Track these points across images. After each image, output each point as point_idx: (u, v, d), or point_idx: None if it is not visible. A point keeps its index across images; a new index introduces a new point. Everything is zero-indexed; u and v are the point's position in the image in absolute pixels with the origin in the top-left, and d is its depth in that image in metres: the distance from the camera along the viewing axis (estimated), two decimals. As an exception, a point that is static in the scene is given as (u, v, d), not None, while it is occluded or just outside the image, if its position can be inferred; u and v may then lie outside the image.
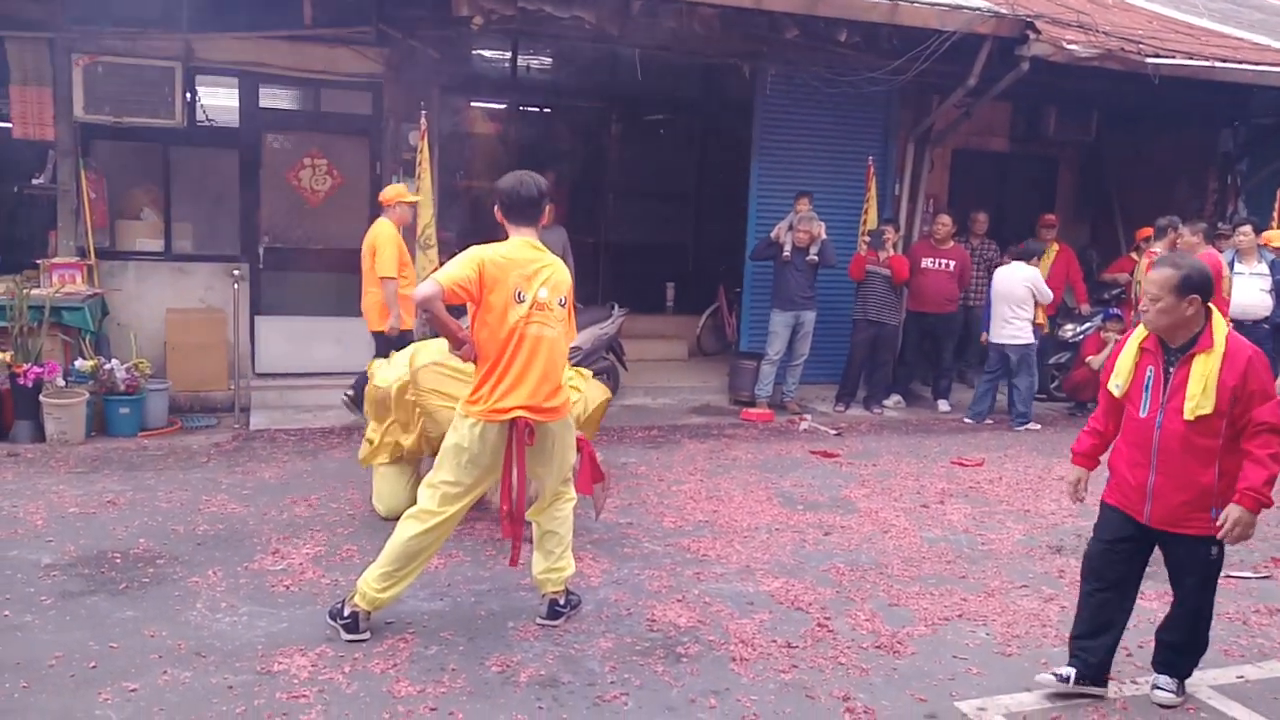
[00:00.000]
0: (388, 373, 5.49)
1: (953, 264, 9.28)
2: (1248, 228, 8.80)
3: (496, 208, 4.18)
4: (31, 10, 7.46)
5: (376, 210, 8.59)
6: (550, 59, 11.01)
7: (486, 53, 10.49)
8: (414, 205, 7.43)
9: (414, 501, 4.20)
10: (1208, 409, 3.54)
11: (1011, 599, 4.93)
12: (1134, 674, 4.13)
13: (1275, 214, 9.65)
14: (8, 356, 6.77)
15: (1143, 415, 3.71)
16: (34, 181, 8.11)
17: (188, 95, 7.99)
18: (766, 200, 9.43)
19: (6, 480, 6.04)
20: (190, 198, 8.43)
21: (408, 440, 5.42)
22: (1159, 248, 8.41)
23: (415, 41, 8.10)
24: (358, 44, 8.21)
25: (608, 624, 4.41)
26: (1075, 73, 8.87)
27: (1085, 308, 10.09)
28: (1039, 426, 8.80)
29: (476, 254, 3.99)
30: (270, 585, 4.65)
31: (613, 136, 11.75)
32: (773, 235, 8.88)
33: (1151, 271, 3.70)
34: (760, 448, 7.73)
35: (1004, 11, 8.57)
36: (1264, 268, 8.65)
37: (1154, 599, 4.73)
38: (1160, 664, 3.96)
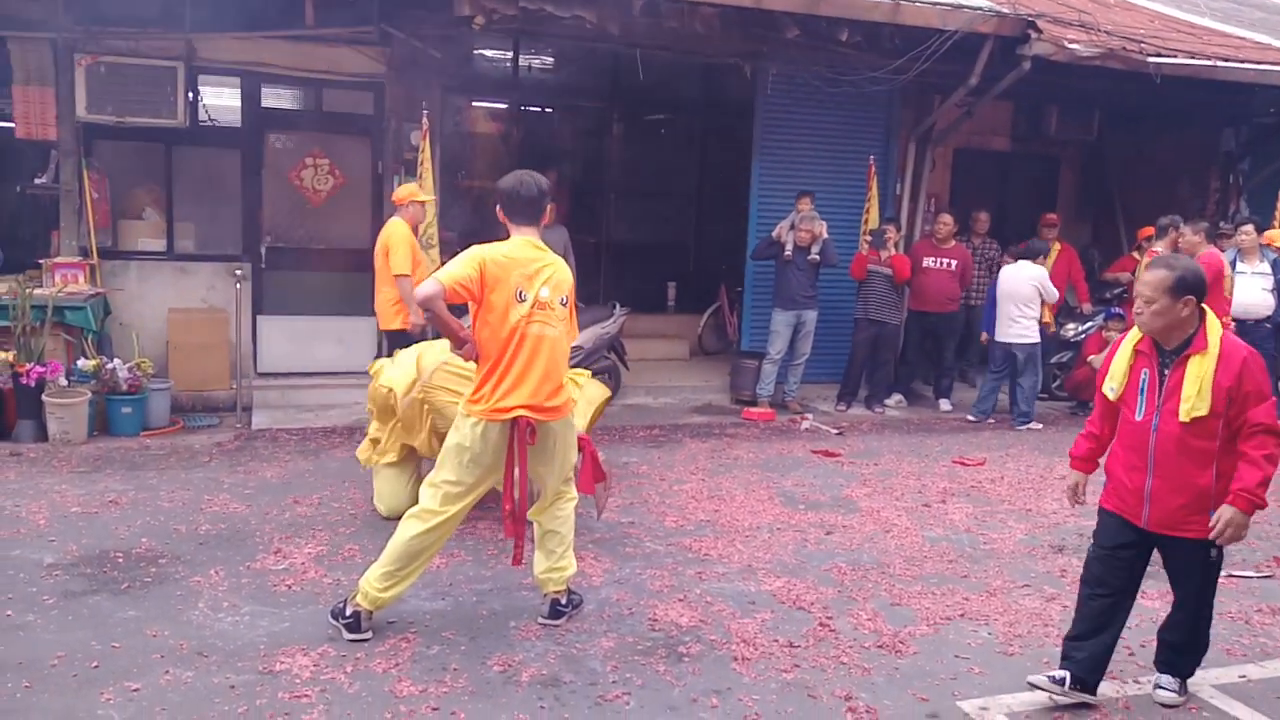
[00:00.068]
0: (393, 372, 5.49)
1: (954, 263, 9.28)
2: (1249, 227, 8.79)
3: (498, 207, 4.19)
4: (34, 10, 7.47)
5: (378, 210, 8.65)
6: (552, 59, 11.01)
7: (488, 52, 10.50)
8: (426, 204, 7.41)
9: (415, 501, 4.20)
10: (1203, 411, 3.53)
11: (1013, 598, 4.93)
12: (1136, 673, 4.13)
13: (1277, 213, 9.62)
14: (10, 356, 6.77)
15: (1138, 418, 3.69)
16: (37, 181, 8.10)
17: (190, 95, 7.99)
18: (768, 199, 9.42)
19: (9, 480, 6.05)
20: (192, 197, 8.44)
21: (414, 439, 5.42)
22: (1160, 247, 8.41)
23: (417, 41, 8.10)
24: (359, 44, 8.21)
25: (609, 623, 4.41)
26: (1077, 72, 8.86)
27: (1087, 307, 10.10)
28: (1041, 426, 8.80)
29: (478, 253, 3.99)
30: (272, 585, 4.65)
31: (614, 136, 11.74)
32: (774, 234, 8.89)
33: (1145, 273, 3.67)
34: (762, 447, 7.73)
35: (1005, 11, 8.57)
36: (1266, 267, 8.64)
37: (1156, 598, 4.73)
38: (1162, 664, 3.96)
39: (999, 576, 5.21)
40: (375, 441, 5.60)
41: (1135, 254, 9.87)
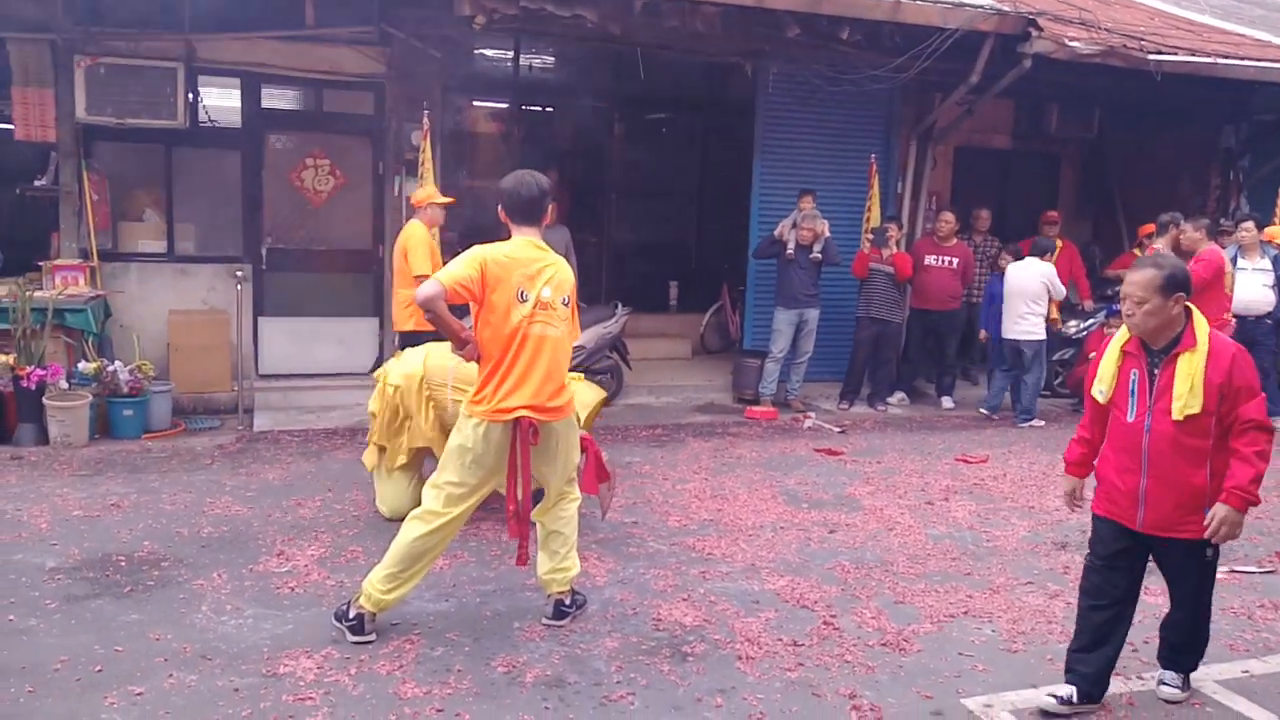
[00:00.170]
0: (399, 370, 5.49)
1: (956, 261, 9.27)
2: (1250, 224, 8.79)
3: (499, 207, 4.18)
4: (33, 11, 7.46)
5: (379, 211, 8.66)
6: (552, 58, 11.01)
7: (489, 52, 10.50)
8: (445, 206, 7.37)
9: (418, 503, 4.19)
10: (1196, 408, 3.51)
11: (1017, 595, 4.92)
12: (1140, 669, 4.12)
13: (1277, 210, 9.62)
14: (11, 359, 6.77)
15: (1130, 420, 3.65)
16: (36, 183, 8.09)
17: (190, 96, 7.99)
18: (769, 198, 9.42)
19: (10, 483, 6.04)
20: (193, 199, 8.43)
21: (423, 440, 5.40)
22: (1161, 244, 8.39)
23: (417, 41, 8.10)
24: (360, 44, 8.21)
25: (613, 624, 4.40)
26: (1077, 69, 8.87)
27: (1088, 304, 10.08)
28: (1043, 423, 8.80)
29: (479, 253, 3.99)
30: (275, 587, 4.65)
31: (615, 135, 11.74)
32: (776, 233, 8.88)
33: (1132, 275, 3.63)
34: (764, 446, 7.72)
35: (1006, 9, 8.56)
36: (1266, 263, 8.64)
37: (1159, 594, 4.69)
38: (1165, 660, 3.96)
39: (1002, 574, 5.21)
40: (380, 448, 5.58)
41: (1136, 251, 9.85)
